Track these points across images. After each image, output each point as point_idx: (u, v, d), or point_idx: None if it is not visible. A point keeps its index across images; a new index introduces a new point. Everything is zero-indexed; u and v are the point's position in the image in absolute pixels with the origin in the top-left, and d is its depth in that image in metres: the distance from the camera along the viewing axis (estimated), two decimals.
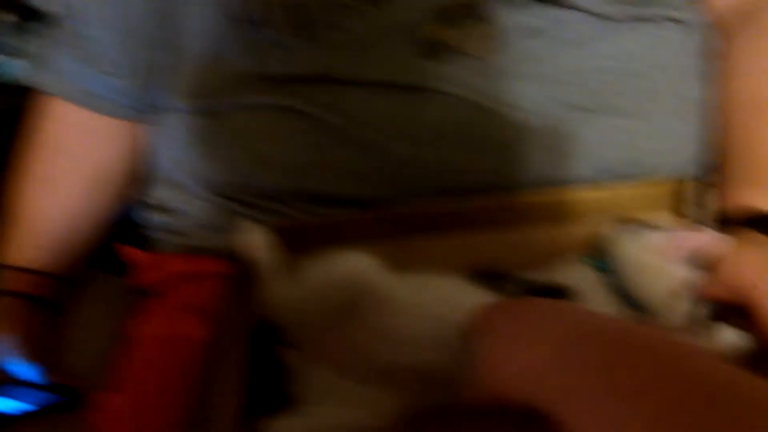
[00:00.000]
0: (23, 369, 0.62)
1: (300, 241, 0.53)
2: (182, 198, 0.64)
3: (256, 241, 0.49)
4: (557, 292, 0.50)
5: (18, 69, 0.83)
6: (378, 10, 0.56)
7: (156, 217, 0.67)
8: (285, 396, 0.49)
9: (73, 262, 0.70)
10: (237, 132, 0.60)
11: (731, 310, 0.49)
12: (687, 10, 0.60)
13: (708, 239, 0.49)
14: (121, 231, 0.73)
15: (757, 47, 0.60)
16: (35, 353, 0.64)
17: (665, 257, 0.49)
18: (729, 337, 0.45)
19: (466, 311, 0.44)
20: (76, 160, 0.70)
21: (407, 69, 0.56)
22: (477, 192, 0.55)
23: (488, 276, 0.52)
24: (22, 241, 0.68)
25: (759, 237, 0.52)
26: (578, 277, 0.52)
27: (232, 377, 0.46)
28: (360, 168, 0.55)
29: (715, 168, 0.60)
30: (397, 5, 0.56)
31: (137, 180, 0.72)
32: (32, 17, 0.84)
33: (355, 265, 0.50)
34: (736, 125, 0.58)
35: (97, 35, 0.67)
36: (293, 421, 0.46)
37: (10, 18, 0.82)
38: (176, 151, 0.65)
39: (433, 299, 0.50)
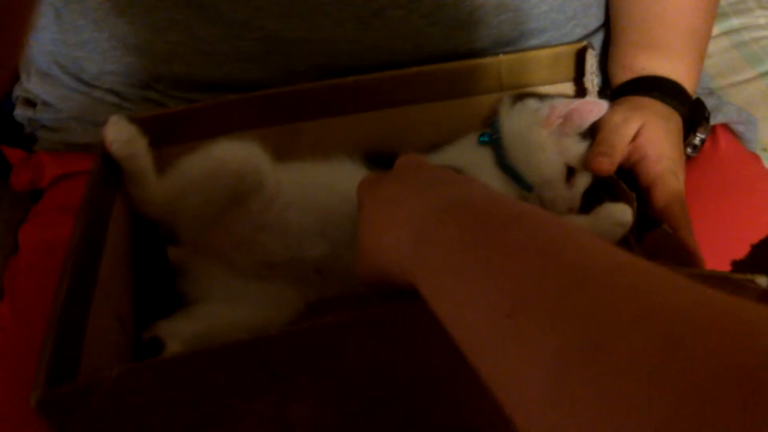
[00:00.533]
0: None
1: (169, 131, 0.49)
2: (56, 91, 0.59)
3: (124, 134, 0.46)
4: None
5: None
6: None
7: (32, 113, 0.62)
8: (174, 295, 0.47)
9: None
10: (94, 12, 0.54)
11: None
12: None
13: (590, 106, 0.48)
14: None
15: None
16: None
17: (550, 131, 0.48)
18: (613, 214, 0.45)
19: (352, 201, 0.42)
20: None
21: None
22: (356, 69, 0.51)
23: (381, 157, 0.50)
24: None
25: (656, 104, 0.50)
26: (470, 156, 0.51)
27: (116, 277, 0.44)
28: (233, 46, 0.51)
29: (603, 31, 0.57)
30: None
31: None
32: None
33: (236, 153, 0.47)
34: None
35: None
36: (181, 323, 0.45)
37: None
38: (45, 42, 0.59)
39: (320, 188, 0.48)
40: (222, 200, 0.46)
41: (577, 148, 0.49)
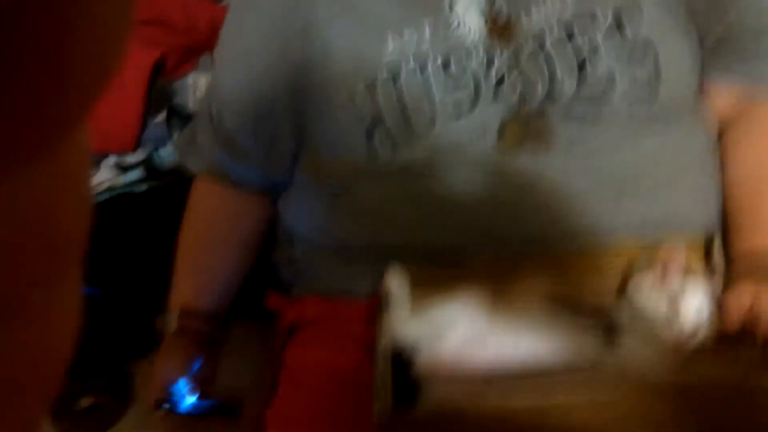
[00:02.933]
0: (189, 388, 0.81)
1: (422, 281, 0.72)
2: (317, 255, 0.83)
3: (399, 281, 0.68)
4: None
5: (165, 156, 1.05)
6: (460, 121, 0.74)
7: (293, 269, 0.87)
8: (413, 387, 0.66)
9: (225, 306, 0.90)
10: (359, 205, 0.79)
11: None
12: (696, 116, 0.79)
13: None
14: (255, 282, 0.93)
15: (747, 139, 0.78)
16: (201, 375, 0.83)
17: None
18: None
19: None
20: (226, 227, 0.91)
21: (487, 162, 0.74)
22: (545, 249, 0.73)
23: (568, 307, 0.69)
24: (191, 290, 0.88)
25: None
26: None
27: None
28: (459, 233, 0.74)
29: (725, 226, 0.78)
30: (473, 117, 0.74)
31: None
32: (176, 114, 1.06)
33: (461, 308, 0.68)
34: (737, 198, 0.76)
35: (235, 132, 0.87)
36: None
37: (161, 117, 1.04)
38: (308, 218, 0.85)
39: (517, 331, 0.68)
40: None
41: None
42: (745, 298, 0.65)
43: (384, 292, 0.67)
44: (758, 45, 0.78)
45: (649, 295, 0.65)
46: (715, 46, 0.79)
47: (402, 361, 0.67)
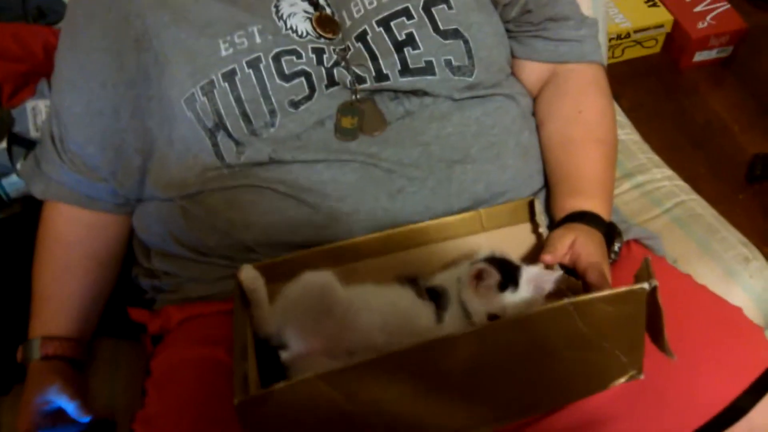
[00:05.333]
0: (69, 407, 0.79)
1: (273, 275, 0.74)
2: (174, 263, 0.84)
3: (251, 274, 0.70)
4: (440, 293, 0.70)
5: (9, 186, 1.01)
6: (298, 111, 0.78)
7: (153, 282, 0.87)
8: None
9: (90, 328, 0.89)
10: (211, 208, 0.81)
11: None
12: (510, 86, 0.87)
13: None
14: (121, 299, 0.92)
15: (556, 102, 0.88)
16: (74, 396, 0.81)
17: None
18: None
19: (399, 307, 0.66)
20: (81, 248, 0.89)
21: (328, 148, 0.78)
22: (390, 227, 0.77)
23: (408, 280, 0.73)
24: (51, 316, 0.86)
25: (583, 226, 0.77)
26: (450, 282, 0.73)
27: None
28: (309, 221, 0.77)
29: (545, 188, 0.87)
30: (311, 107, 0.78)
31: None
32: (17, 142, 1.03)
33: (317, 279, 0.70)
34: (553, 158, 0.86)
35: (80, 150, 0.86)
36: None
37: (2, 145, 1.01)
38: (162, 228, 0.85)
39: (376, 300, 0.72)
40: (313, 313, 0.69)
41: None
42: (567, 238, 0.73)
43: (237, 288, 0.69)
44: (556, 31, 0.88)
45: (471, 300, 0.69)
46: (520, 33, 0.88)
47: (268, 352, 0.70)
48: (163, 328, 0.83)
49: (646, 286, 0.55)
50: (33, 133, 1.03)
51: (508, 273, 0.68)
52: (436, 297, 0.70)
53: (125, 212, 0.91)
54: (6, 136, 1.01)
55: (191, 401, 0.71)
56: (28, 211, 0.98)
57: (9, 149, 1.02)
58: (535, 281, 0.68)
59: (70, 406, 0.79)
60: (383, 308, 0.70)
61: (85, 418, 0.80)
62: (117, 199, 0.89)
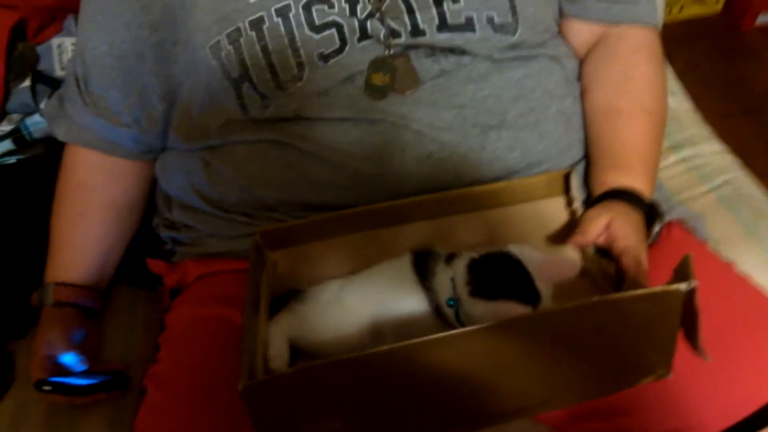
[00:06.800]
0: (70, 359, 0.79)
1: (291, 238, 0.72)
2: (194, 216, 0.82)
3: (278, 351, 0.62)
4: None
5: (33, 126, 0.99)
6: (328, 65, 0.74)
7: (173, 234, 0.85)
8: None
9: (106, 276, 0.88)
10: (233, 161, 0.78)
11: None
12: (555, 47, 0.81)
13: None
14: (143, 248, 0.91)
15: (603, 68, 0.82)
16: (84, 348, 0.81)
17: None
18: None
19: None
20: (101, 195, 0.87)
21: (356, 106, 0.74)
22: (416, 194, 0.73)
23: (421, 255, 0.67)
24: (66, 262, 0.85)
25: (621, 205, 0.72)
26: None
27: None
28: (332, 181, 0.74)
29: (585, 160, 0.81)
30: (341, 61, 0.74)
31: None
32: (42, 80, 1.01)
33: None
34: (596, 129, 0.80)
35: (103, 94, 0.84)
36: None
37: (26, 83, 0.99)
38: (184, 179, 0.83)
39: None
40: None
41: None
42: (602, 219, 0.68)
43: (255, 251, 0.67)
44: None
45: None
46: None
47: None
48: (181, 282, 0.81)
49: (683, 287, 0.51)
50: (58, 72, 1.01)
51: (510, 281, 0.59)
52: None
53: (148, 159, 0.89)
54: (30, 74, 0.99)
55: (204, 362, 0.70)
56: (51, 153, 0.97)
57: (33, 87, 0.99)
58: (545, 272, 0.59)
59: (64, 356, 0.78)
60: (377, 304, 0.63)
61: (82, 367, 0.79)
62: (140, 145, 0.87)
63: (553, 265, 0.61)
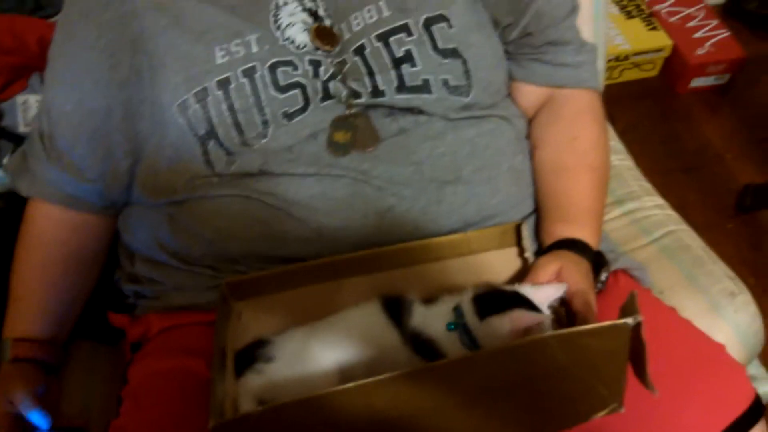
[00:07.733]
0: (36, 416, 0.78)
1: (255, 288, 0.73)
2: (158, 270, 0.83)
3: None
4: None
5: None
6: (292, 123, 0.77)
7: (136, 287, 0.86)
8: None
9: (66, 329, 0.87)
10: (198, 216, 0.80)
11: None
12: (506, 108, 0.87)
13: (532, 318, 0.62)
14: (103, 302, 0.91)
15: (550, 128, 0.87)
16: (44, 404, 0.80)
17: None
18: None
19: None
20: (62, 248, 0.88)
21: (319, 162, 0.77)
22: (378, 245, 0.76)
23: (392, 301, 0.71)
24: (25, 316, 0.84)
25: (570, 253, 0.77)
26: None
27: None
28: (297, 234, 0.77)
29: (535, 213, 0.86)
30: (304, 119, 0.77)
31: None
32: (5, 136, 1.02)
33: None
34: (545, 184, 0.85)
35: (68, 150, 0.85)
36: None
37: None
38: (148, 234, 0.84)
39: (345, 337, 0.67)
40: None
41: None
42: (552, 265, 0.72)
43: (221, 301, 0.68)
44: (555, 56, 0.88)
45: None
46: (519, 55, 0.88)
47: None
48: (143, 335, 0.82)
49: (630, 321, 0.55)
50: (22, 128, 1.02)
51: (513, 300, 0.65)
52: (422, 347, 0.65)
53: (111, 214, 0.90)
54: None
55: (167, 415, 0.70)
56: (12, 208, 0.97)
57: None
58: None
59: (31, 413, 0.77)
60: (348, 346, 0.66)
61: (45, 426, 0.78)
62: (103, 200, 0.88)
63: (542, 296, 0.67)
